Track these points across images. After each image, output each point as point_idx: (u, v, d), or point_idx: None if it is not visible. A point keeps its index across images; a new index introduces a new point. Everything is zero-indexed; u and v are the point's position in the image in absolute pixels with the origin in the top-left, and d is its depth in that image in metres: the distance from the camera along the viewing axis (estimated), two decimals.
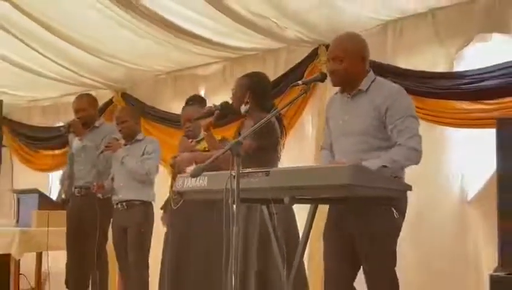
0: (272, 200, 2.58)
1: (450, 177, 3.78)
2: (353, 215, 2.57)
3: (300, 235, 2.74)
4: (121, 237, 4.23)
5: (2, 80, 6.46)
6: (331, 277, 2.69)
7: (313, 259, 3.91)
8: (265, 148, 3.18)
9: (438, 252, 3.74)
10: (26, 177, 6.88)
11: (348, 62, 2.65)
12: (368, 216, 2.52)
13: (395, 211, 2.54)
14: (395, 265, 2.58)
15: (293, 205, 2.45)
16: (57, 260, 4.96)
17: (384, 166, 2.48)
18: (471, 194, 3.72)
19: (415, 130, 2.59)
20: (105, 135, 4.49)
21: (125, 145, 4.29)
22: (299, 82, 2.79)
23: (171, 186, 3.82)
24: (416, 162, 2.59)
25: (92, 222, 4.32)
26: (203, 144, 3.66)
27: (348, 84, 2.71)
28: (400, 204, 2.57)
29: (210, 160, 2.50)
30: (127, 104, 5.77)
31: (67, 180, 4.60)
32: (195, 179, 2.63)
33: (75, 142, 4.57)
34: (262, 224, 3.04)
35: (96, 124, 4.61)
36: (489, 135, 3.47)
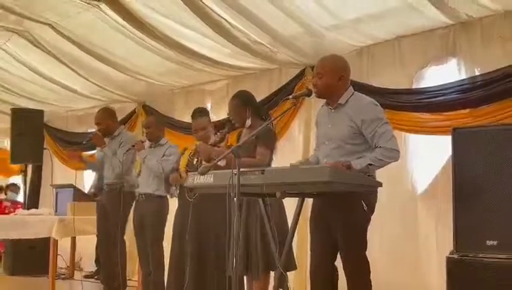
0: (266, 194, 2.57)
1: (403, 175, 3.79)
2: (331, 209, 2.56)
3: (290, 223, 2.74)
4: (140, 223, 4.23)
5: (43, 94, 6.46)
6: (316, 257, 2.67)
7: (301, 241, 3.90)
8: (271, 150, 3.17)
9: (395, 238, 3.77)
10: (63, 174, 6.86)
11: (326, 78, 2.64)
12: (342, 209, 2.51)
13: (364, 205, 2.51)
14: (365, 250, 2.56)
15: (283, 198, 2.45)
16: (89, 243, 4.94)
17: (370, 164, 2.46)
18: (420, 190, 3.76)
19: (391, 133, 2.57)
20: (122, 142, 4.48)
21: (150, 147, 4.29)
22: (290, 97, 2.81)
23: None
24: (396, 160, 2.55)
25: (115, 212, 4.37)
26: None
27: (328, 97, 2.70)
28: (370, 199, 2.56)
29: (215, 161, 2.50)
30: (148, 114, 5.75)
31: (97, 179, 4.68)
32: (203, 176, 2.62)
33: (97, 152, 4.58)
34: (260, 212, 3.03)
35: (116, 133, 4.55)
36: (436, 141, 3.52)
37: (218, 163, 2.99)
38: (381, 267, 3.60)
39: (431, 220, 3.60)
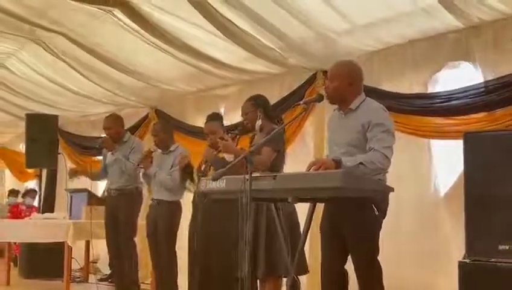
0: (278, 199, 2.61)
1: (426, 178, 3.78)
2: (342, 213, 2.57)
3: (301, 228, 2.77)
4: (153, 226, 4.32)
5: (57, 99, 6.57)
6: (326, 261, 2.69)
7: (313, 247, 3.92)
8: (279, 152, 3.21)
9: (417, 242, 3.75)
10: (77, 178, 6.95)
11: (336, 83, 2.65)
12: (352, 213, 2.51)
13: (375, 209, 2.51)
14: (377, 254, 2.56)
15: (295, 203, 2.47)
16: (104, 246, 5.01)
17: (362, 163, 2.44)
18: (442, 192, 3.74)
19: (390, 142, 2.56)
20: (133, 147, 4.59)
21: (162, 153, 4.35)
22: (301, 102, 2.83)
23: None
24: (386, 169, 2.54)
25: (124, 216, 4.49)
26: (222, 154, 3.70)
27: (339, 102, 2.71)
28: (382, 203, 2.55)
29: (228, 166, 2.54)
30: (160, 119, 5.81)
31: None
32: (216, 181, 2.66)
33: (109, 156, 4.66)
34: (268, 216, 3.08)
35: (124, 138, 4.66)
36: (456, 145, 3.51)
37: (226, 157, 3.07)
38: (402, 270, 3.62)
39: (453, 224, 3.56)
